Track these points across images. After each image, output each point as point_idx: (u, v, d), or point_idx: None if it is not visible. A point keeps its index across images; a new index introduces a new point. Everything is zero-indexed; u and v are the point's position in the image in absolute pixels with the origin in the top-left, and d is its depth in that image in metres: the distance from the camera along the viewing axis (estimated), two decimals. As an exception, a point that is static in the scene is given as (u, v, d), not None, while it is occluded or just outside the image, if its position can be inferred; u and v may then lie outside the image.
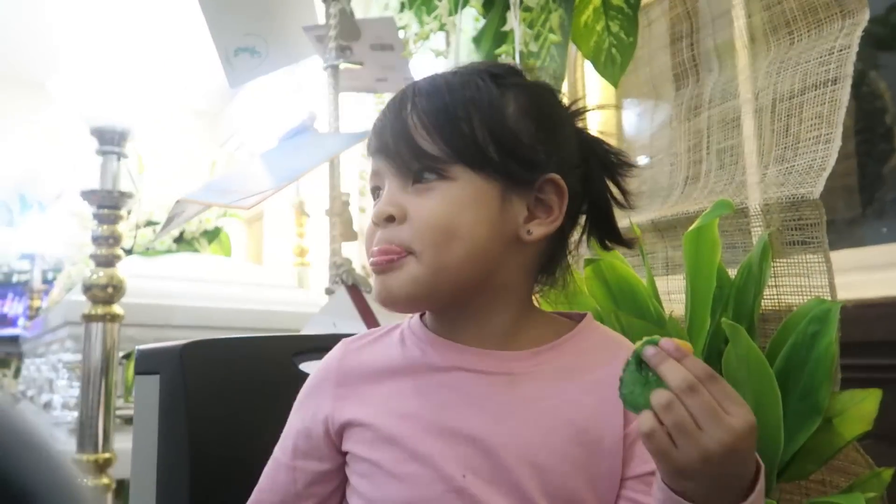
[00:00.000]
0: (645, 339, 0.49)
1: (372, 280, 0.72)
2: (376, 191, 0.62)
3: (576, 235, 0.66)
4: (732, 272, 0.93)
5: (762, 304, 0.93)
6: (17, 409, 0.22)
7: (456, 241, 0.57)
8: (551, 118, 0.62)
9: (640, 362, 0.49)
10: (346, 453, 0.62)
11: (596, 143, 0.65)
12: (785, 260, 0.99)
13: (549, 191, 0.59)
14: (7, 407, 0.21)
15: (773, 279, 0.99)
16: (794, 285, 0.97)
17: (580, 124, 0.66)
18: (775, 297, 1.00)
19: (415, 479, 0.57)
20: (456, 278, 0.58)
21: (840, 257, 0.97)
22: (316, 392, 0.65)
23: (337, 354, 0.66)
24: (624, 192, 0.65)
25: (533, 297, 0.65)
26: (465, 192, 0.57)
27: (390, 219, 0.58)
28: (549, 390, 0.58)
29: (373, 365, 0.63)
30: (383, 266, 0.58)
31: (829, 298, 0.92)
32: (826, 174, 0.92)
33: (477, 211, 0.57)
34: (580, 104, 0.67)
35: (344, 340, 0.67)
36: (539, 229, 0.59)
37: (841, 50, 0.97)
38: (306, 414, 0.64)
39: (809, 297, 0.94)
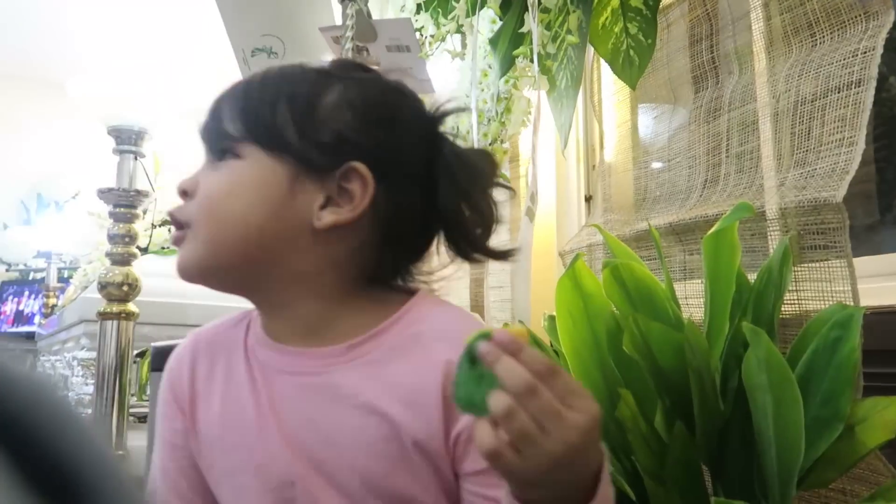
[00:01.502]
0: (476, 332, 0.44)
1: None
2: None
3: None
4: (749, 277, 0.92)
5: (782, 308, 0.91)
6: (59, 389, 0.21)
7: (230, 217, 0.56)
8: (380, 113, 0.59)
9: (472, 359, 0.43)
10: None
11: (452, 157, 0.59)
12: (806, 265, 0.97)
13: (353, 179, 0.56)
14: (52, 387, 0.21)
15: (793, 284, 0.97)
16: (814, 290, 0.96)
17: (443, 138, 0.61)
18: (795, 301, 0.98)
19: (246, 488, 0.58)
20: (231, 256, 0.57)
21: (858, 264, 0.95)
22: None
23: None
24: (478, 212, 0.59)
25: (345, 289, 0.59)
26: (250, 170, 0.56)
27: (184, 194, 0.59)
28: (360, 386, 0.56)
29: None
30: (175, 241, 0.59)
31: (852, 303, 0.90)
32: (849, 177, 0.91)
33: (258, 190, 0.56)
34: (442, 109, 0.62)
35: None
36: (330, 216, 0.56)
37: (865, 52, 0.96)
38: None
39: (831, 303, 0.92)
